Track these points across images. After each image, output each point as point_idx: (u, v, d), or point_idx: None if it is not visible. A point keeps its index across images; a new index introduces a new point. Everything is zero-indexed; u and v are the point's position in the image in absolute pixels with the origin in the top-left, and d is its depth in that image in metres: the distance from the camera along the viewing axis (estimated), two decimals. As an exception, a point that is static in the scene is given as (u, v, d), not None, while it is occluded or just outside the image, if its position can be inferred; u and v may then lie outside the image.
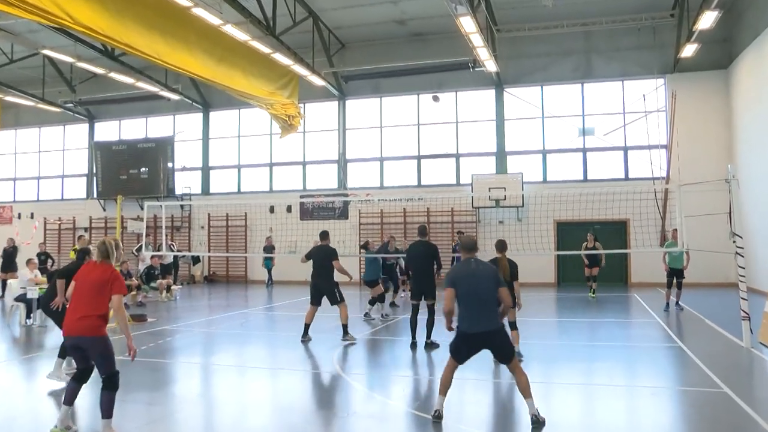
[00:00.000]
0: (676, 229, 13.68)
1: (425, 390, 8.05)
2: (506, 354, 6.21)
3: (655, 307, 15.19)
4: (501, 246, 9.32)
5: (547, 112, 23.56)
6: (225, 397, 7.82)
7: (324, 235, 11.71)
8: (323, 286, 11.23)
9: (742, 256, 10.33)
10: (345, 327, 11.06)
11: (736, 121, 20.95)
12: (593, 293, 17.56)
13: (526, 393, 6.06)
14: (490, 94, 24.06)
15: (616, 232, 21.60)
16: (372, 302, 14.19)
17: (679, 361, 9.33)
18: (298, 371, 9.14)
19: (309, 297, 11.51)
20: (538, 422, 5.93)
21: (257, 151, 26.77)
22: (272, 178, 26.52)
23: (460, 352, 6.28)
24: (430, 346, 10.23)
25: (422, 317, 10.50)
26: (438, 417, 6.16)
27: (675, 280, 14.77)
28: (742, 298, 10.12)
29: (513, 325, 9.07)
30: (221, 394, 8.04)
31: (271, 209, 25.13)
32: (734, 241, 10.47)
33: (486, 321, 6.11)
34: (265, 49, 18.39)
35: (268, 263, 23.47)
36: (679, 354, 9.73)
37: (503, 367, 7.32)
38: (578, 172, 23.14)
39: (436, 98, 23.65)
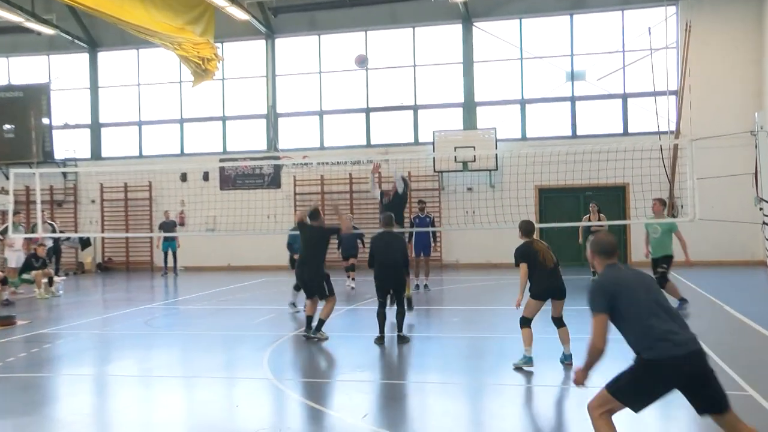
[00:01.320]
0: (659, 200, 13.28)
1: (377, 397, 8.12)
2: (721, 396, 4.95)
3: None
4: (528, 229, 9.28)
5: (526, 52, 23.54)
6: (123, 416, 7.61)
7: (315, 214, 11.47)
8: (311, 279, 11.13)
9: (770, 226, 10.43)
10: (322, 322, 11.04)
11: (768, 60, 21.17)
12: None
13: None
14: (456, 29, 23.92)
15: (613, 199, 21.83)
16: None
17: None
18: (218, 379, 9.08)
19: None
20: None
21: (163, 104, 26.17)
22: (183, 138, 26.02)
23: (643, 394, 4.93)
24: (403, 339, 10.64)
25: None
26: None
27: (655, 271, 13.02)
28: (770, 278, 10.24)
29: (560, 322, 9.04)
30: (118, 413, 7.82)
31: (183, 177, 24.59)
32: (761, 209, 10.55)
33: (688, 335, 4.97)
34: (168, -31, 17.80)
35: (169, 245, 22.94)
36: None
37: None
38: (566, 126, 23.28)
39: (361, 61, 19.28)
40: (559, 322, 8.96)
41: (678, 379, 4.82)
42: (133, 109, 26.47)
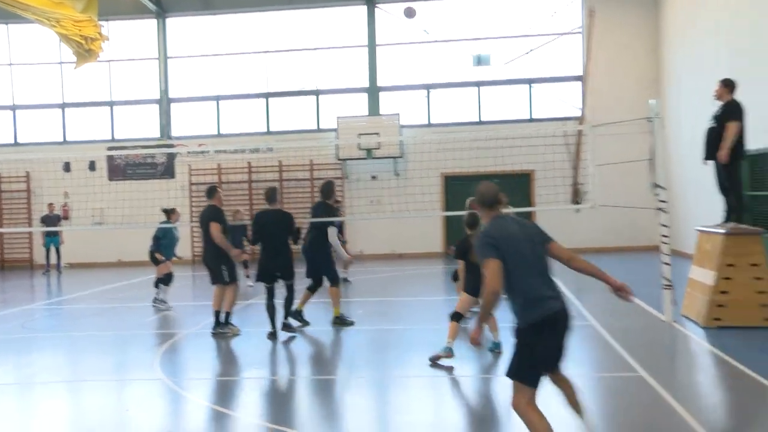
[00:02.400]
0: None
1: (276, 394, 8.19)
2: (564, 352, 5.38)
3: (566, 277, 15.96)
4: (472, 221, 9.28)
5: (432, 35, 23.87)
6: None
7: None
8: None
9: (666, 212, 11.06)
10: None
11: (666, 48, 22.21)
12: None
13: (579, 405, 5.66)
14: (360, 11, 24.10)
15: (518, 186, 22.43)
16: (158, 284, 14.26)
17: (592, 342, 9.88)
18: (107, 382, 8.95)
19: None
20: None
21: (42, 88, 25.41)
22: (66, 124, 25.36)
23: (536, 361, 5.18)
24: (289, 328, 10.71)
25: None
26: None
27: None
28: (665, 263, 10.87)
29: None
30: (-6, 421, 7.67)
31: (66, 167, 23.98)
32: (656, 194, 11.14)
33: (559, 295, 5.26)
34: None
35: (51, 241, 22.34)
36: (592, 334, 10.29)
37: None
38: (472, 112, 23.76)
39: (410, 12, 20.79)
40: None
41: (554, 335, 5.13)
42: (5, 92, 25.55)
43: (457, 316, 8.81)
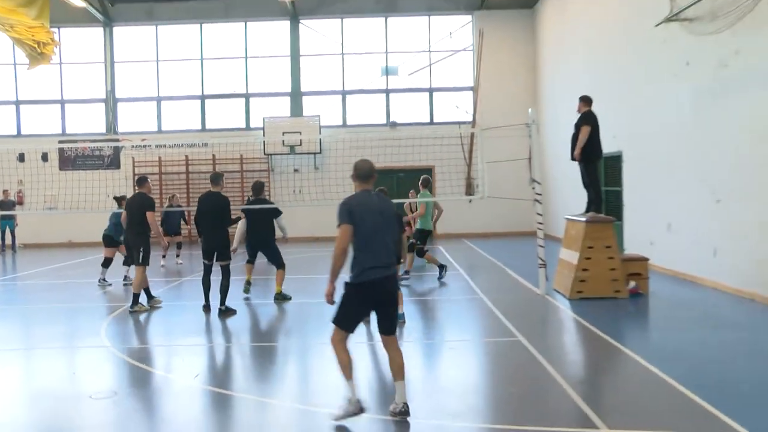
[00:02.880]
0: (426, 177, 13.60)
1: (208, 359, 8.19)
2: (394, 316, 5.63)
3: (460, 259, 16.37)
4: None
5: (347, 48, 23.95)
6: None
7: (215, 177, 10.73)
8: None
9: (540, 203, 11.52)
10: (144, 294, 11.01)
11: (541, 64, 22.86)
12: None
13: (399, 374, 5.54)
14: (285, 25, 23.95)
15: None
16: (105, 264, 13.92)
17: (481, 312, 10.21)
18: (56, 349, 8.78)
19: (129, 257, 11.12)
20: (405, 413, 5.42)
21: (-2, 86, 24.41)
22: (20, 119, 24.44)
23: (351, 314, 5.52)
24: (226, 312, 10.31)
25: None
26: (361, 409, 5.43)
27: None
28: (540, 246, 11.28)
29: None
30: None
31: (21, 158, 23.12)
32: (533, 188, 11.58)
33: (388, 266, 5.48)
34: (2, -44, 16.63)
35: (6, 223, 21.73)
36: (480, 305, 10.62)
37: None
38: (381, 115, 23.92)
39: (393, 125, 23.27)
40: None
41: (374, 296, 5.44)
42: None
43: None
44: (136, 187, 11.39)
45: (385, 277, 5.44)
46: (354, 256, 5.43)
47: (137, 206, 10.80)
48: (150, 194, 11.12)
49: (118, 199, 13.81)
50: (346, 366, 5.47)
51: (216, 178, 10.66)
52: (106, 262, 13.72)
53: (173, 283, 13.90)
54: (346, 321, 5.50)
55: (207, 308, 10.48)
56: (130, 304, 10.72)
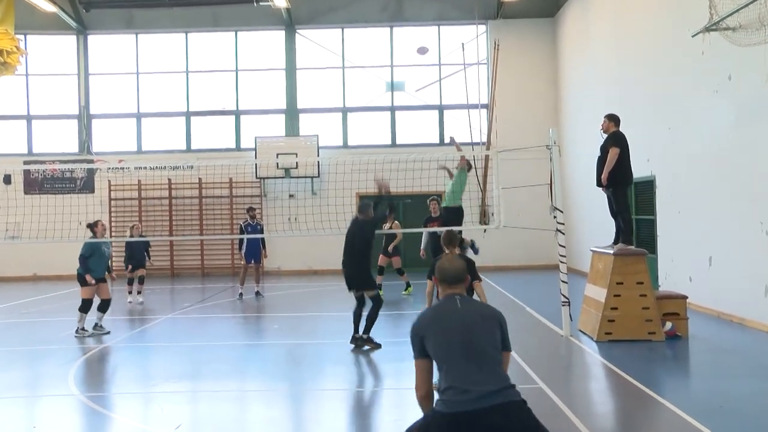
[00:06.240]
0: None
1: (192, 406, 8.19)
2: None
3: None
4: (449, 240, 8.80)
5: (348, 61, 24.09)
6: None
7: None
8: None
9: (563, 234, 11.44)
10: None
11: (563, 79, 22.98)
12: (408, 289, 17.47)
13: None
14: (279, 36, 24.13)
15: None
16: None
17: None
18: (16, 399, 8.66)
19: None
20: None
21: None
22: (-18, 137, 24.55)
23: None
24: (366, 341, 10.52)
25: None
26: None
27: None
28: (562, 281, 11.21)
29: None
30: None
31: (-19, 180, 23.26)
32: (555, 217, 11.54)
33: (485, 391, 4.30)
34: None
35: None
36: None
37: None
38: (386, 135, 24.01)
39: (423, 50, 21.55)
40: None
41: None
42: None
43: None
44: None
45: (483, 409, 4.25)
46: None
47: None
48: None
49: (91, 226, 12.86)
50: None
51: (365, 207, 11.25)
52: (84, 306, 12.14)
53: (150, 323, 13.84)
54: None
55: (354, 340, 10.64)
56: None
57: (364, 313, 10.57)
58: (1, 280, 22.74)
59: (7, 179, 23.36)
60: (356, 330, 10.74)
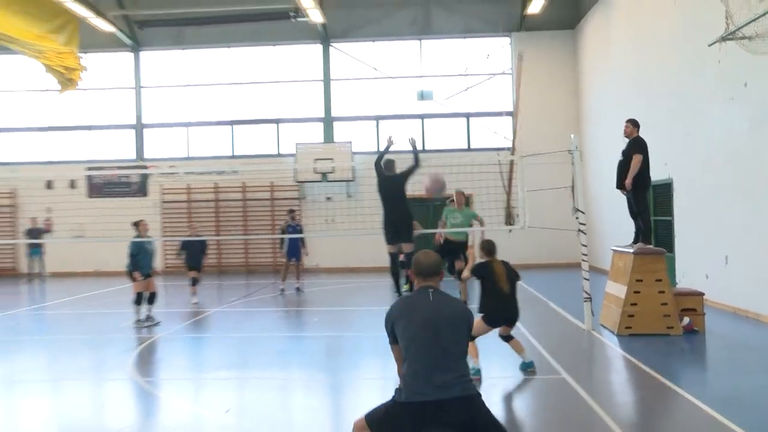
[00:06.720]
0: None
1: (240, 393, 8.25)
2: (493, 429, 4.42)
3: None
4: (489, 247, 8.48)
5: (380, 72, 24.12)
6: (-13, 421, 7.37)
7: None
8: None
9: (585, 234, 11.40)
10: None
11: (584, 87, 22.80)
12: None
13: None
14: (316, 49, 24.21)
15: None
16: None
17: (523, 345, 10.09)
18: (85, 381, 8.93)
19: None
20: None
21: (27, 112, 24.96)
22: (49, 146, 24.94)
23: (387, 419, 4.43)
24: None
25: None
26: None
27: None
28: (585, 278, 11.17)
29: (508, 338, 8.52)
30: (-20, 417, 7.57)
31: (49, 185, 23.64)
32: (577, 218, 11.49)
33: (448, 383, 4.31)
34: (30, -20, 17.17)
35: (35, 251, 22.17)
36: (522, 340, 10.40)
37: None
38: (416, 141, 23.89)
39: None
40: (507, 338, 8.48)
41: (423, 425, 4.28)
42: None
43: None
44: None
45: (441, 401, 4.29)
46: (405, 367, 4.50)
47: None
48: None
49: (135, 225, 12.88)
50: None
51: (389, 164, 11.68)
52: (138, 299, 12.41)
53: (200, 316, 13.98)
54: (377, 421, 4.46)
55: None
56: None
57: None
58: (67, 275, 23.06)
59: (73, 184, 23.82)
60: (398, 287, 10.81)
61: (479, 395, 4.40)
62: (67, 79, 19.94)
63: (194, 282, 15.30)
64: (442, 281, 4.71)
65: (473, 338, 8.04)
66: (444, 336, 4.37)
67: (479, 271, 8.24)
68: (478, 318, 8.15)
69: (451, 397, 4.24)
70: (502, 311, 8.13)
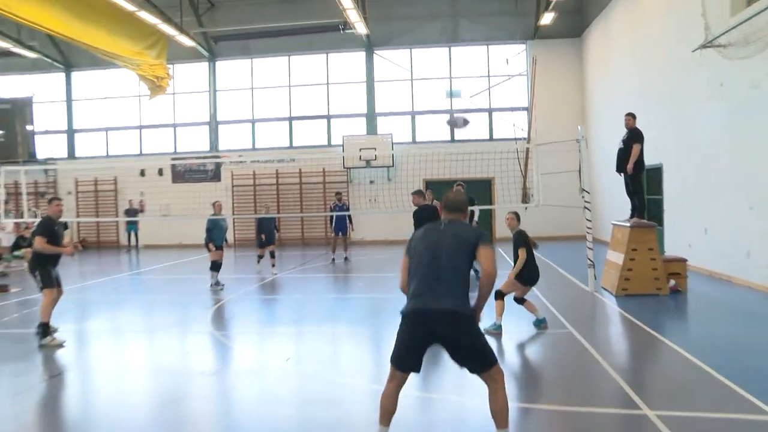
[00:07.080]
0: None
1: (298, 344, 8.40)
2: (474, 356, 4.25)
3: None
4: (519, 218, 8.45)
5: (415, 74, 24.04)
6: (98, 362, 7.70)
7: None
8: None
9: (590, 210, 11.43)
10: None
11: (588, 87, 22.49)
12: None
13: (500, 420, 4.25)
14: (361, 56, 24.22)
15: (482, 189, 22.63)
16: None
17: (536, 306, 10.11)
18: (173, 332, 9.21)
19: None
20: None
21: (125, 114, 25.49)
22: (142, 140, 25.46)
23: (400, 351, 4.32)
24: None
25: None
26: None
27: None
28: (588, 248, 11.17)
29: (522, 300, 8.40)
30: (94, 358, 7.92)
31: (142, 173, 24.21)
32: (583, 197, 11.46)
33: (439, 296, 4.20)
34: (129, 6, 17.48)
35: (132, 227, 22.92)
36: (535, 300, 10.42)
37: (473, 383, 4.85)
38: (446, 132, 23.94)
39: (465, 123, 23.51)
40: (521, 301, 8.38)
41: (421, 330, 4.21)
42: (101, 117, 25.65)
43: (499, 294, 8.09)
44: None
45: (431, 311, 4.20)
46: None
47: (33, 233, 9.01)
48: (53, 216, 8.49)
49: (213, 204, 13.14)
50: (383, 410, 4.34)
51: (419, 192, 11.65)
52: (213, 266, 12.67)
53: (267, 279, 14.26)
54: (394, 353, 4.39)
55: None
56: (38, 335, 8.24)
57: None
58: (157, 247, 23.59)
59: (160, 172, 24.35)
60: None
61: (470, 318, 4.21)
62: (157, 86, 20.39)
63: (272, 255, 15.04)
64: (465, 219, 4.63)
65: (503, 295, 8.15)
66: (443, 257, 4.26)
67: (524, 238, 8.20)
68: (510, 278, 8.19)
69: (441, 308, 4.13)
70: (537, 272, 8.24)
